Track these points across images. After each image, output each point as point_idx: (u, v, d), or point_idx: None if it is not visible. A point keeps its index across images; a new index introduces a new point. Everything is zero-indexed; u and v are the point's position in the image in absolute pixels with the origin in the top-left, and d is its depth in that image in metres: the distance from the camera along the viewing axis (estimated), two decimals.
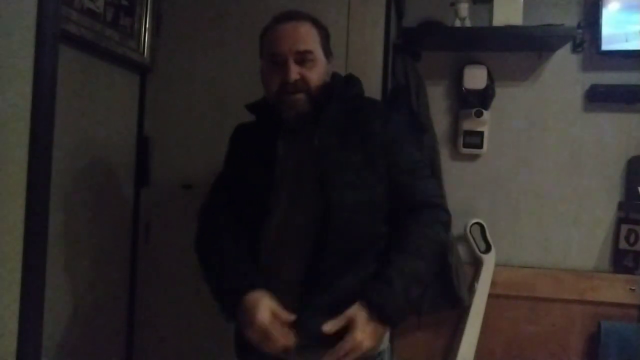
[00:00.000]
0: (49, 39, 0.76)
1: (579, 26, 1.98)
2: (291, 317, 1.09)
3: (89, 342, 1.61)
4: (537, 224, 2.05)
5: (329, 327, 1.04)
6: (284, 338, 1.06)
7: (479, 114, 1.99)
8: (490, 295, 1.96)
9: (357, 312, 1.06)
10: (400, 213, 1.20)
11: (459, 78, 2.05)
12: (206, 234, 1.29)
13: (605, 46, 1.93)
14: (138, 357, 1.84)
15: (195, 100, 1.81)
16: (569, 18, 2.00)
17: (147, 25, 1.76)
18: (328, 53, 1.26)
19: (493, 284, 1.98)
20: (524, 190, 2.06)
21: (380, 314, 1.06)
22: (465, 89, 2.04)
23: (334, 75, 1.28)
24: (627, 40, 1.91)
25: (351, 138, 1.20)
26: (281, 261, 1.18)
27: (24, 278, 0.74)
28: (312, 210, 1.16)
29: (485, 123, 2.03)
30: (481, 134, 2.04)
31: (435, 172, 1.92)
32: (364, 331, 1.04)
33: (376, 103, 1.34)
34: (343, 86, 1.27)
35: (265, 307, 1.08)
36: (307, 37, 1.20)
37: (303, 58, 1.18)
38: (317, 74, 1.20)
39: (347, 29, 1.71)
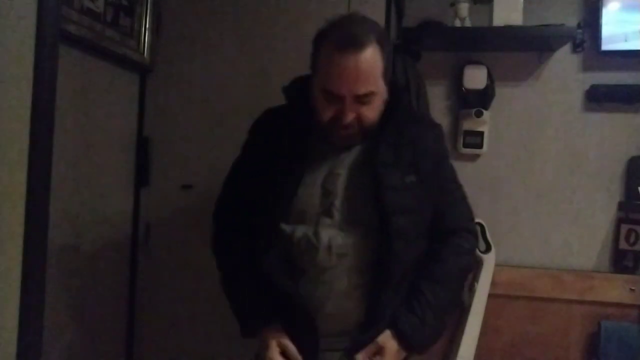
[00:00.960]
0: (49, 39, 0.76)
1: (579, 26, 1.98)
2: (299, 358, 1.11)
3: (89, 342, 1.61)
4: (537, 224, 2.05)
5: (362, 356, 1.10)
6: None
7: (479, 114, 1.98)
8: (490, 295, 1.96)
9: (388, 341, 1.10)
10: (435, 233, 1.21)
11: (459, 78, 2.05)
12: (225, 243, 1.28)
13: (605, 46, 1.93)
14: (138, 357, 1.84)
15: (195, 100, 1.81)
16: (569, 18, 1.99)
17: (147, 25, 1.76)
18: (388, 71, 1.13)
19: (493, 284, 1.98)
20: (524, 190, 2.06)
21: (408, 345, 1.12)
22: (465, 89, 2.03)
23: (391, 91, 1.17)
24: (627, 40, 1.91)
25: (405, 155, 1.15)
26: (331, 276, 1.12)
27: (24, 278, 0.74)
28: (367, 231, 1.13)
29: (485, 123, 2.03)
30: (481, 134, 2.04)
31: None
32: (391, 358, 1.10)
33: (424, 117, 1.31)
34: (397, 105, 1.18)
35: (276, 346, 1.12)
36: (370, 75, 1.06)
37: (362, 100, 1.08)
38: (374, 111, 1.11)
39: None
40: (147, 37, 1.76)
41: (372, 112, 1.11)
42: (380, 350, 1.10)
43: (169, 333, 1.82)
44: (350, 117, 1.08)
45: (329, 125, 1.11)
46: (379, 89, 1.10)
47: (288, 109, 1.22)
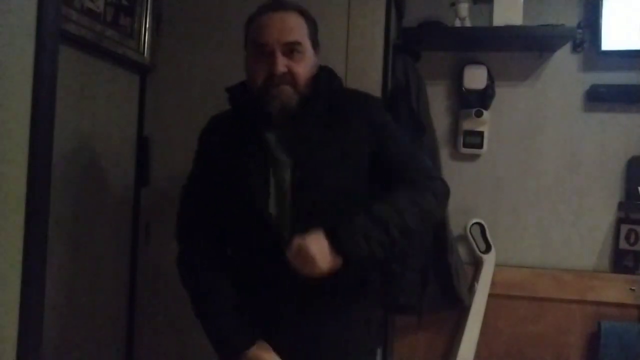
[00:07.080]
0: (49, 39, 0.76)
1: (579, 26, 1.98)
2: None
3: (89, 342, 1.61)
4: (537, 224, 2.05)
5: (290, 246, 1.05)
6: None
7: (479, 114, 1.99)
8: (490, 295, 1.96)
9: (312, 230, 1.05)
10: (394, 184, 1.16)
11: (459, 78, 2.05)
12: (192, 263, 1.30)
13: (605, 46, 1.93)
14: (138, 357, 1.84)
15: (195, 100, 1.81)
16: (569, 18, 2.00)
17: (147, 25, 1.76)
18: (316, 44, 1.21)
19: (493, 284, 1.98)
20: (524, 190, 2.06)
21: (332, 239, 1.03)
22: (465, 89, 2.03)
23: (321, 69, 1.23)
24: (627, 40, 1.91)
25: (332, 133, 1.17)
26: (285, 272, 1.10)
27: (24, 278, 0.74)
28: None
29: (485, 123, 2.03)
30: (481, 134, 2.04)
31: None
32: (313, 240, 1.02)
33: (360, 95, 1.27)
34: (329, 80, 1.22)
35: None
36: (295, 28, 1.15)
37: (291, 49, 1.14)
38: (304, 67, 1.16)
39: (347, 29, 1.71)
40: (147, 37, 1.76)
41: (302, 67, 1.15)
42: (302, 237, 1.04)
43: (169, 333, 1.82)
44: (281, 66, 1.13)
45: (263, 87, 1.15)
46: (306, 45, 1.17)
47: (232, 110, 1.28)
